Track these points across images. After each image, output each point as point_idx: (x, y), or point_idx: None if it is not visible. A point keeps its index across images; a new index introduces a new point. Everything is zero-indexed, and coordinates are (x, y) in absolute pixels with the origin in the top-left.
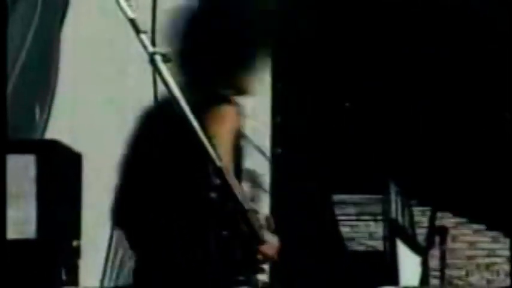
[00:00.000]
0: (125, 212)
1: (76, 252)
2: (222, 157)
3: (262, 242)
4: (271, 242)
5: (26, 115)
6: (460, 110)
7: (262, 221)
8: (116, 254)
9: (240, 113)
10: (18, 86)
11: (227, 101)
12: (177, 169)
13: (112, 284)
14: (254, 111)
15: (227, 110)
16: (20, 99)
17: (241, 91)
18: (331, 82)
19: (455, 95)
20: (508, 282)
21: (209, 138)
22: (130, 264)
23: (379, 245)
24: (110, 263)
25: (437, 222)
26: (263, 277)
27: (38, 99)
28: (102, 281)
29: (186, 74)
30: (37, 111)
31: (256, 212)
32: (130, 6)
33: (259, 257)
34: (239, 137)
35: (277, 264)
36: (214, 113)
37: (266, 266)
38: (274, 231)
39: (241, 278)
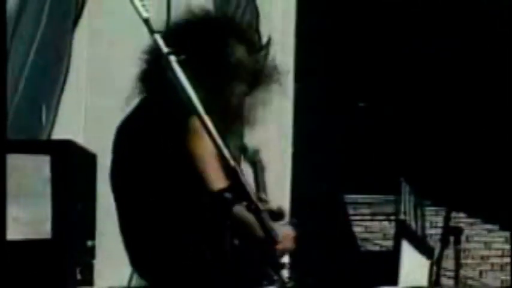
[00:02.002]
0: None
1: (90, 252)
2: (205, 167)
3: (277, 239)
4: (286, 233)
5: (32, 116)
6: (474, 110)
7: (276, 211)
8: None
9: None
10: (25, 86)
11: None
12: (186, 169)
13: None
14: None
15: (195, 121)
16: (26, 100)
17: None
18: (346, 82)
19: (471, 95)
20: None
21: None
22: None
23: (392, 245)
24: None
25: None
26: (285, 274)
27: (45, 100)
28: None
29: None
30: (43, 112)
31: (267, 203)
32: (144, 6)
33: (278, 250)
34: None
35: (295, 260)
36: (184, 125)
37: (286, 260)
38: (289, 221)
39: (265, 278)
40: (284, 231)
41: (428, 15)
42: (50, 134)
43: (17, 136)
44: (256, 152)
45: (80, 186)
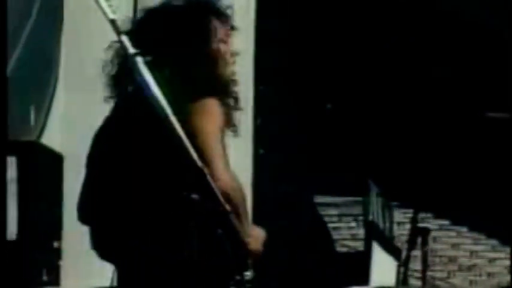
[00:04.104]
0: (93, 208)
1: (57, 253)
2: (214, 152)
3: (245, 240)
4: (257, 235)
5: (21, 118)
6: (442, 111)
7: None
8: None
9: (227, 107)
10: (12, 87)
11: (212, 94)
12: (156, 168)
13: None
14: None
15: (212, 104)
16: (14, 101)
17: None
18: (313, 84)
19: (438, 95)
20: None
21: (195, 135)
22: None
23: (360, 246)
24: None
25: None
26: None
27: (34, 102)
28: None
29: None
30: (32, 114)
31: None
32: (110, 6)
33: (248, 252)
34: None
35: (261, 261)
36: (199, 108)
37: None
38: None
39: (236, 277)
40: (254, 232)
41: (388, 13)
42: (40, 135)
43: None
44: None
45: (46, 186)
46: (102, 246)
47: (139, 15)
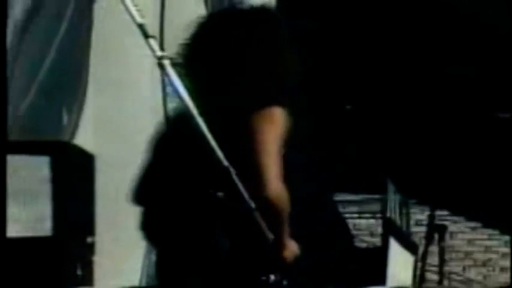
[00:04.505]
0: (146, 191)
1: (90, 248)
2: (268, 162)
3: (282, 246)
4: (290, 246)
5: (53, 119)
6: (459, 112)
7: None
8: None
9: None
10: (45, 90)
11: (276, 101)
12: (193, 165)
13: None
14: None
15: (279, 113)
16: (47, 103)
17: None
18: (332, 83)
19: (454, 95)
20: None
21: (254, 141)
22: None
23: (379, 241)
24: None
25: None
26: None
27: (66, 104)
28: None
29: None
30: (64, 115)
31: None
32: (139, 11)
33: (280, 257)
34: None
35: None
36: (262, 114)
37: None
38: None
39: (262, 277)
40: (290, 243)
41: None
42: (73, 136)
43: (31, 137)
44: None
45: (79, 184)
46: (149, 228)
47: (204, 20)
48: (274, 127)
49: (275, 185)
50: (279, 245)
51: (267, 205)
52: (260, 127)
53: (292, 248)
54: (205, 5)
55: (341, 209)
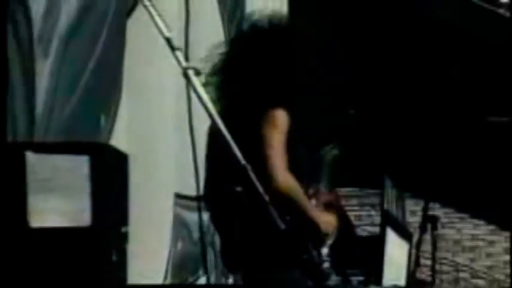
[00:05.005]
0: (209, 197)
1: (124, 237)
2: (273, 160)
3: (316, 223)
4: (326, 221)
5: (92, 122)
6: (450, 113)
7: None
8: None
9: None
10: (86, 94)
11: (278, 105)
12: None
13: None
14: None
15: (280, 115)
16: (88, 107)
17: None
18: (336, 85)
19: (445, 94)
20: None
21: (262, 142)
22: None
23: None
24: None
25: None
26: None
27: (103, 108)
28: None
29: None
30: (102, 119)
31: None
32: (166, 25)
33: (320, 233)
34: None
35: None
36: (267, 116)
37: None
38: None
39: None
40: (326, 218)
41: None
42: (109, 138)
43: (73, 138)
44: (331, 150)
45: (114, 181)
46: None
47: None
48: (275, 128)
49: (280, 176)
50: (313, 224)
51: (278, 196)
52: (264, 129)
53: (327, 220)
54: (222, 20)
55: (344, 202)
